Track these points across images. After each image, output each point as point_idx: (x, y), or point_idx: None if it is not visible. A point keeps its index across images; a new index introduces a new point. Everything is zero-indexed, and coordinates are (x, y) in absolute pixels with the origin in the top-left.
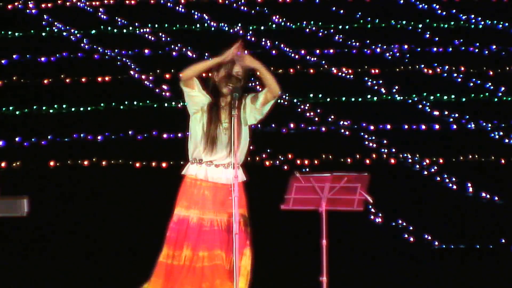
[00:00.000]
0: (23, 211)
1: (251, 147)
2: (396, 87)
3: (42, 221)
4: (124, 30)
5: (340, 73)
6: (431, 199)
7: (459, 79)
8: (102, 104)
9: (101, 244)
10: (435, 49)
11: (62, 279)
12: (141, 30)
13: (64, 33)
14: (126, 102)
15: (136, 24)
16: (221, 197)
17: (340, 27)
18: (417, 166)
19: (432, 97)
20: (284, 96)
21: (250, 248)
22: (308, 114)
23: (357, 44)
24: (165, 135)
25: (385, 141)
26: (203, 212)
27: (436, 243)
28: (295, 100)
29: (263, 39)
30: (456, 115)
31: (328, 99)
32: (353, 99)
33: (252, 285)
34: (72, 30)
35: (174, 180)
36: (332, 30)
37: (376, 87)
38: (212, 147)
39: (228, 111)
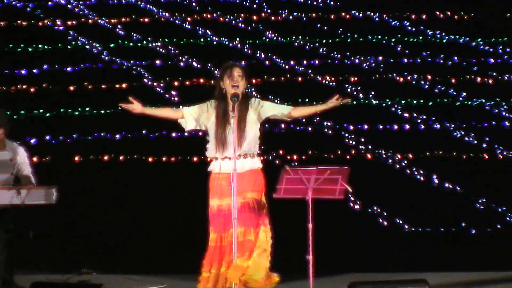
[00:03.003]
0: (52, 200)
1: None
2: (372, 93)
3: (68, 208)
4: (139, 44)
5: (324, 81)
6: (402, 188)
7: (426, 86)
8: (119, 108)
9: (117, 227)
10: (405, 60)
11: (85, 259)
12: (153, 44)
13: (87, 47)
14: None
15: (149, 38)
16: (238, 185)
17: (324, 41)
18: (390, 161)
19: (403, 101)
20: (276, 101)
21: (268, 228)
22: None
23: (339, 55)
24: (173, 134)
25: (362, 139)
26: (221, 199)
27: (406, 226)
28: (285, 104)
29: (258, 52)
30: (424, 116)
31: (314, 103)
32: None
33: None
34: (94, 44)
35: (181, 172)
36: (317, 44)
37: (355, 93)
38: (223, 146)
39: (233, 113)
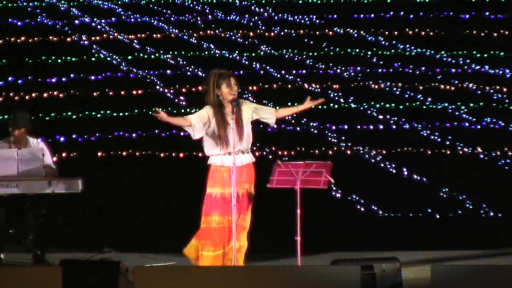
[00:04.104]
0: (78, 189)
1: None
2: (352, 98)
3: (92, 197)
4: (152, 56)
5: (310, 88)
6: (377, 180)
7: (398, 92)
8: (136, 111)
9: (134, 212)
10: (380, 70)
11: (106, 240)
12: (164, 56)
13: (108, 58)
14: (153, 109)
15: (161, 51)
16: (236, 176)
17: (310, 53)
18: (367, 156)
19: (377, 105)
20: (269, 105)
21: (250, 211)
22: (286, 118)
23: (323, 66)
24: (181, 133)
25: (343, 138)
26: (224, 188)
27: (380, 212)
28: (277, 107)
29: (254, 63)
30: (395, 118)
31: (296, 104)
32: (320, 107)
33: (248, 240)
34: (113, 56)
35: (189, 166)
36: (304, 56)
37: (337, 98)
38: (226, 144)
39: (232, 115)
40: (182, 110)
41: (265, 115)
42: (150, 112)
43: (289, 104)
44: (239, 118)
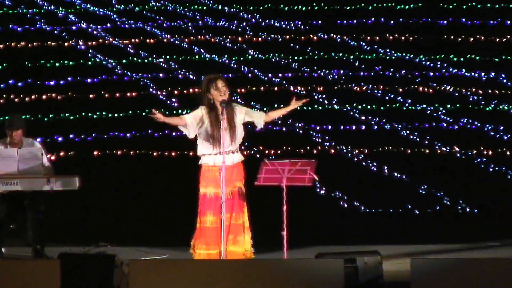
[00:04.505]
0: (75, 186)
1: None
2: (335, 100)
3: (88, 194)
4: (145, 60)
5: (296, 90)
6: (359, 177)
7: (379, 94)
8: (130, 112)
9: (128, 208)
10: (362, 73)
11: (102, 235)
12: (157, 60)
13: (103, 62)
14: (147, 110)
15: (154, 56)
16: (227, 175)
17: (296, 58)
18: (349, 155)
19: (360, 107)
20: (257, 106)
21: (246, 209)
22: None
23: (308, 69)
24: (174, 133)
25: (327, 137)
26: (217, 188)
27: (363, 208)
28: (264, 109)
29: (243, 66)
30: (377, 119)
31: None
32: (305, 108)
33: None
34: (109, 60)
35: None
36: (290, 60)
37: (321, 100)
38: (218, 144)
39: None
40: (174, 111)
41: (256, 119)
42: (144, 114)
43: (276, 105)
44: (232, 119)
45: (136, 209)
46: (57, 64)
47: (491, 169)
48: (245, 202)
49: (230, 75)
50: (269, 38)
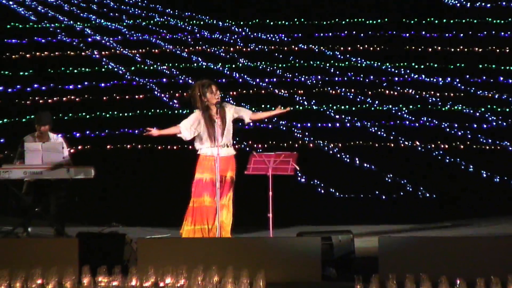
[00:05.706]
0: (91, 175)
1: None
2: (314, 101)
3: (103, 182)
4: (151, 67)
5: (280, 93)
6: (334, 168)
7: (351, 96)
8: (138, 112)
9: (137, 194)
10: (336, 78)
11: (114, 216)
12: (161, 67)
13: (115, 69)
14: (152, 110)
15: (158, 63)
16: (222, 165)
17: (280, 65)
18: (326, 148)
19: (335, 107)
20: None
21: (231, 193)
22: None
23: (290, 75)
24: None
25: (307, 133)
26: (212, 174)
27: (337, 193)
28: (253, 109)
29: (234, 73)
30: (349, 117)
31: (273, 108)
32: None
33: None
34: (119, 67)
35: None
36: (275, 67)
37: (301, 101)
38: (214, 139)
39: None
40: (176, 111)
41: (243, 115)
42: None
43: (262, 106)
44: (223, 117)
45: (143, 194)
46: (75, 71)
47: (447, 161)
48: (231, 189)
49: (224, 80)
50: (257, 49)
